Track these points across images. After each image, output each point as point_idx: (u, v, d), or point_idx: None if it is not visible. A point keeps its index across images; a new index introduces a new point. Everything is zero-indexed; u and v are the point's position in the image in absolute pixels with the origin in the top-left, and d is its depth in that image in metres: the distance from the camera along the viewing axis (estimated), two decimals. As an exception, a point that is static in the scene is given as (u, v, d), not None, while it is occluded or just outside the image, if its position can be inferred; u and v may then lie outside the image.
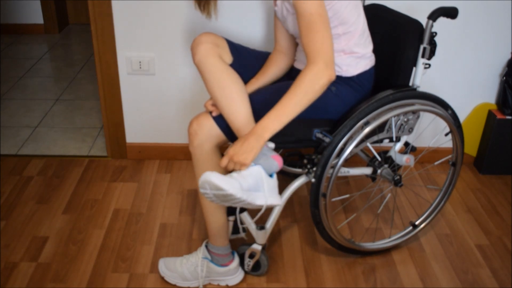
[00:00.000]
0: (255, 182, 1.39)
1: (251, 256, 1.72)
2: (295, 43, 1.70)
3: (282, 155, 2.22)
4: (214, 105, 1.55)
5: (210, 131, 1.54)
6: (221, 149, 1.64)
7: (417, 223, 1.92)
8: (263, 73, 1.68)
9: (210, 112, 1.56)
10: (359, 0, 1.55)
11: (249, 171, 1.39)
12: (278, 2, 1.56)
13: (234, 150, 1.40)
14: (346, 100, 1.59)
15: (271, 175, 1.45)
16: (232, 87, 1.50)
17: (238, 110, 1.48)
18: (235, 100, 1.48)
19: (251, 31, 2.16)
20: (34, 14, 4.03)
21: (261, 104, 1.52)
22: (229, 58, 1.61)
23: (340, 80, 1.58)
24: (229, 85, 1.50)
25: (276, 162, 1.45)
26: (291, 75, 1.73)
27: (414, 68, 1.65)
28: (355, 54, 1.56)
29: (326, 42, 1.38)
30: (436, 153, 2.45)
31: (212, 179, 1.32)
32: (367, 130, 1.55)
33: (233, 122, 1.49)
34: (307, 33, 1.38)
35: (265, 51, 1.77)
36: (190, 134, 1.58)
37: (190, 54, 2.21)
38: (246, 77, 1.65)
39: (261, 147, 1.40)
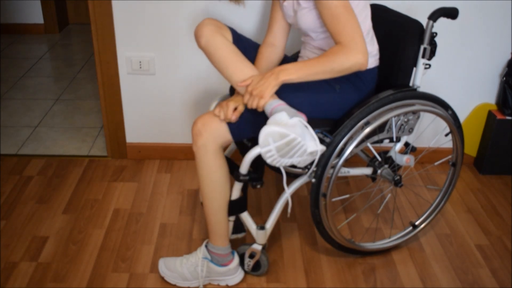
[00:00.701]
0: (301, 131, 1.41)
1: (251, 256, 1.72)
2: (287, 36, 1.74)
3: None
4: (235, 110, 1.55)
5: (215, 131, 1.54)
6: (223, 149, 1.64)
7: (417, 223, 1.92)
8: (256, 68, 1.68)
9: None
10: (367, 1, 1.56)
11: (292, 122, 1.41)
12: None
13: (252, 85, 1.47)
14: (348, 100, 1.60)
15: None
16: (244, 59, 1.55)
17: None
18: (250, 69, 1.54)
19: (244, 27, 2.17)
20: (34, 14, 4.03)
21: None
22: (230, 39, 1.64)
23: (345, 78, 1.58)
24: (241, 57, 1.55)
25: (303, 116, 1.47)
26: None
27: (414, 68, 1.66)
28: None
29: (357, 31, 1.44)
30: (436, 153, 2.45)
31: (274, 129, 1.36)
32: (367, 130, 1.55)
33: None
34: (336, 25, 1.44)
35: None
36: (194, 134, 1.57)
37: (190, 54, 2.21)
38: None
39: (277, 86, 1.45)
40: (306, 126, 1.43)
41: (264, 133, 1.37)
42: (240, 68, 1.54)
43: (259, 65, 1.70)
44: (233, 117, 1.52)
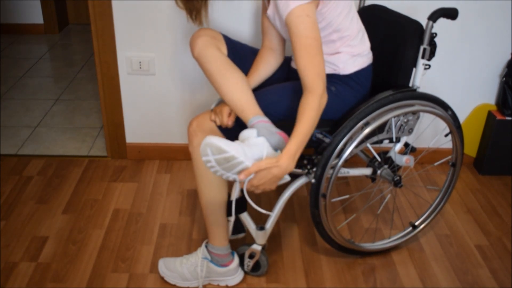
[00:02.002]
0: (259, 153, 1.39)
1: (251, 256, 1.72)
2: (284, 39, 1.70)
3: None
4: (230, 114, 1.55)
5: (210, 131, 1.55)
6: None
7: (416, 223, 1.92)
8: (255, 71, 1.67)
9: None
10: (351, 1, 1.54)
11: (253, 141, 1.40)
12: (270, 11, 1.55)
13: (257, 180, 1.39)
14: (345, 100, 1.60)
15: (276, 150, 1.46)
16: (234, 73, 1.52)
17: (242, 94, 1.50)
18: (239, 84, 1.51)
19: (240, 30, 2.17)
20: (34, 14, 4.03)
21: (270, 104, 1.53)
22: (225, 51, 1.62)
23: (338, 80, 1.58)
24: (231, 72, 1.52)
25: (282, 137, 1.46)
26: (289, 75, 1.73)
27: (414, 69, 1.66)
28: (351, 53, 1.56)
29: (322, 67, 1.41)
30: (436, 153, 2.45)
31: (213, 141, 1.32)
32: (367, 130, 1.55)
33: (237, 106, 1.50)
34: (304, 56, 1.40)
35: (258, 48, 1.77)
36: (189, 134, 1.58)
37: (190, 54, 2.21)
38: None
39: (292, 168, 1.42)
40: (271, 148, 1.42)
41: (204, 143, 1.34)
42: (228, 84, 1.51)
43: (259, 68, 1.67)
44: (229, 122, 1.53)
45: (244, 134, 1.44)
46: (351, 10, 1.54)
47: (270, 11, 1.55)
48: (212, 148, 1.33)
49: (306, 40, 1.39)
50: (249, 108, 1.49)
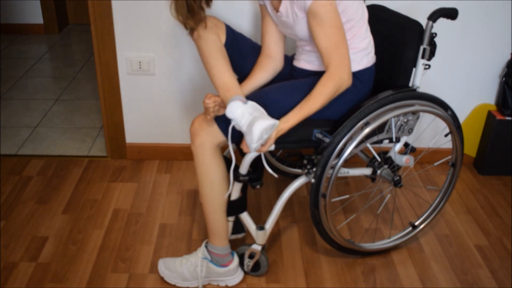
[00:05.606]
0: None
1: (251, 256, 1.72)
2: (284, 45, 1.71)
3: (282, 155, 2.23)
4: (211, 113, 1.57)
5: (211, 131, 1.55)
6: (222, 149, 1.64)
7: (416, 223, 1.92)
8: (251, 78, 1.67)
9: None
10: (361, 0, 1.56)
11: (251, 104, 1.48)
12: (283, 8, 1.55)
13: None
14: (347, 100, 1.60)
15: None
16: (227, 60, 1.59)
17: (231, 77, 1.57)
18: (229, 69, 1.58)
19: (241, 30, 2.17)
20: (34, 14, 4.03)
21: (272, 103, 1.54)
22: (223, 39, 1.65)
23: None
24: (226, 58, 1.59)
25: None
26: (293, 74, 1.73)
27: (414, 69, 1.66)
28: (357, 48, 1.57)
29: (347, 53, 1.48)
30: (435, 153, 2.45)
31: (268, 123, 1.41)
32: (367, 130, 1.55)
33: (224, 84, 1.56)
34: (328, 45, 1.47)
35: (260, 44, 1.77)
36: (191, 134, 1.59)
37: (190, 55, 2.21)
38: (236, 62, 1.69)
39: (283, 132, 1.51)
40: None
41: (260, 129, 1.40)
42: (220, 65, 1.57)
43: (255, 75, 1.67)
44: (208, 117, 1.55)
45: (235, 106, 1.46)
46: (362, 3, 1.57)
47: (283, 7, 1.55)
48: (267, 129, 1.42)
49: (329, 30, 1.45)
50: (234, 90, 1.54)
